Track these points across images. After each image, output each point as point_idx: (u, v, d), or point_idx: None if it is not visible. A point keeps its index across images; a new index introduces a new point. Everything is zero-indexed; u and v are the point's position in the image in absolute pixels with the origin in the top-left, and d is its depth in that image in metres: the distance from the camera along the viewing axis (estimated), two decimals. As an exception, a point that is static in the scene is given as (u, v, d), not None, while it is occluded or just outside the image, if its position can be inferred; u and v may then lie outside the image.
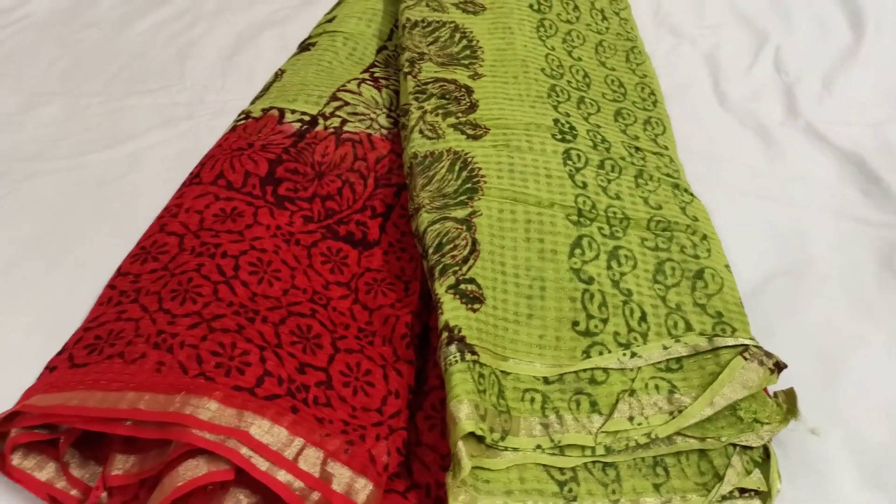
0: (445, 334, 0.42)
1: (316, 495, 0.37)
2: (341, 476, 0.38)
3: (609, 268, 0.47)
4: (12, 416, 0.39)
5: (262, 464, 0.37)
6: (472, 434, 0.38)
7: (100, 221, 0.57)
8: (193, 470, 0.36)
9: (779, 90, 0.67)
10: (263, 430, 0.38)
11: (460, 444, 0.37)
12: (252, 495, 0.38)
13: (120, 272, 0.49)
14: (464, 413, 0.37)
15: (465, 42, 0.62)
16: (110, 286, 0.48)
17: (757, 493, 0.41)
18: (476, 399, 0.39)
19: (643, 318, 0.45)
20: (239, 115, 0.60)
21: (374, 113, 0.61)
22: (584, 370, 0.43)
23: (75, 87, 0.68)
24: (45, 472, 0.41)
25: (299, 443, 0.38)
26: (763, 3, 0.77)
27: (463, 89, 0.57)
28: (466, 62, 0.60)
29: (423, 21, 0.64)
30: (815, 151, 0.62)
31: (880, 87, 0.67)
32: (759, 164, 0.61)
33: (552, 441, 0.40)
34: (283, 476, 0.37)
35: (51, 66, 0.70)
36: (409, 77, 0.58)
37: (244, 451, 0.37)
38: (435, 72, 0.59)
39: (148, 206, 0.57)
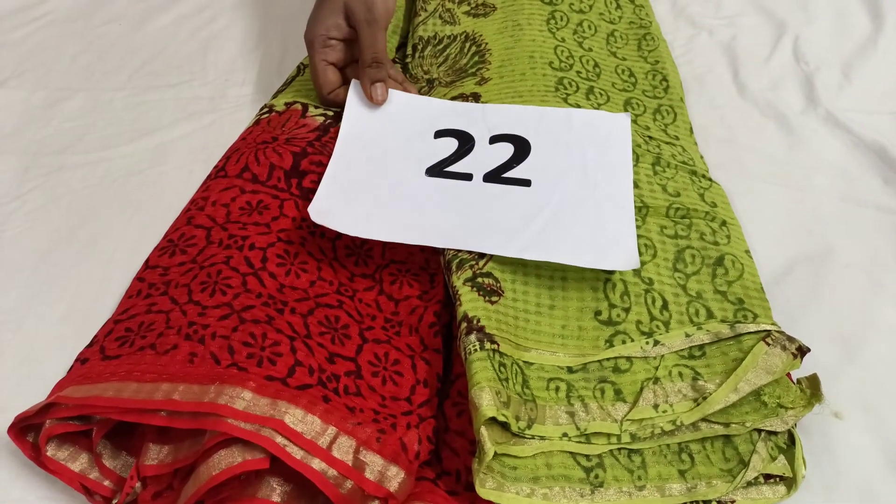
0: (464, 324, 0.42)
1: (349, 483, 0.37)
2: (374, 464, 0.38)
3: None
4: (46, 407, 0.40)
5: (296, 452, 0.37)
6: (497, 421, 0.38)
7: (127, 213, 0.57)
8: (229, 459, 0.37)
9: (798, 80, 0.67)
10: (297, 418, 0.38)
11: (483, 430, 0.37)
12: (285, 483, 0.38)
13: (148, 265, 0.50)
14: (485, 400, 0.38)
15: (474, 49, 0.62)
16: (139, 279, 0.49)
17: (782, 478, 0.41)
18: (497, 386, 0.39)
19: (665, 306, 0.45)
20: (262, 108, 0.61)
21: None
22: (608, 359, 0.43)
23: (99, 82, 0.69)
24: (78, 462, 0.41)
25: (332, 431, 0.38)
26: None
27: (470, 98, 0.58)
28: (473, 70, 0.61)
29: (434, 37, 0.64)
30: (835, 140, 0.62)
31: (901, 75, 0.67)
32: (779, 152, 0.61)
33: (578, 429, 0.41)
34: (317, 464, 0.37)
35: (74, 62, 0.71)
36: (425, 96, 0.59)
37: (279, 439, 0.37)
38: (443, 95, 0.59)
39: (173, 198, 0.58)
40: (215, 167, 0.56)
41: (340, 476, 0.37)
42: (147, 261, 0.50)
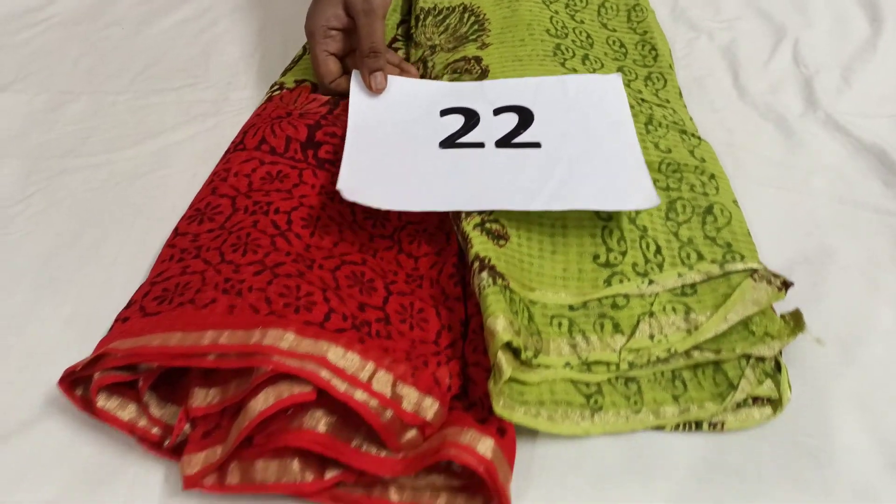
0: (476, 263, 0.45)
1: (389, 412, 0.40)
2: (410, 396, 0.41)
3: None
4: (95, 359, 0.42)
5: (340, 385, 0.40)
6: (509, 349, 0.41)
7: (130, 216, 0.58)
8: (277, 393, 0.39)
9: (798, 83, 0.68)
10: (339, 356, 0.41)
11: (500, 353, 0.40)
12: (329, 415, 0.41)
13: (178, 232, 0.52)
14: (500, 326, 0.41)
15: (473, 19, 0.65)
16: (170, 245, 0.51)
17: (769, 401, 0.44)
18: (510, 317, 0.42)
19: (658, 251, 0.49)
20: (272, 86, 0.63)
21: None
22: (607, 297, 0.47)
23: (101, 85, 0.69)
24: (127, 411, 0.43)
25: (371, 367, 0.41)
26: (780, -3, 0.77)
27: (472, 61, 0.61)
28: (474, 37, 0.64)
29: (434, 8, 0.67)
30: (834, 143, 0.62)
31: (900, 79, 0.67)
32: (778, 155, 0.62)
33: (580, 359, 0.44)
34: (359, 396, 0.40)
35: (77, 65, 0.71)
36: (423, 79, 0.61)
37: (324, 373, 0.40)
38: (445, 59, 0.62)
39: (177, 201, 0.58)
40: (233, 142, 0.58)
41: (381, 406, 0.40)
42: (176, 229, 0.52)
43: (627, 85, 0.61)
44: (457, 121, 0.56)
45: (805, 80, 0.68)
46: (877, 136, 0.61)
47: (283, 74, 0.65)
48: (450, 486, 0.40)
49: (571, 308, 0.46)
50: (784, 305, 0.50)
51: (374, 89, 0.57)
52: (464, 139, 0.54)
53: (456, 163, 0.52)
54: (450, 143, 0.54)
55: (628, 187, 0.50)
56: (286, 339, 0.40)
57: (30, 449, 0.44)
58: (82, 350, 0.49)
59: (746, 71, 0.69)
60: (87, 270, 0.54)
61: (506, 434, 0.40)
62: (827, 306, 0.51)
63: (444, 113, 0.57)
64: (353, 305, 0.46)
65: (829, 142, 0.62)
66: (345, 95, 0.59)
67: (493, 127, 0.55)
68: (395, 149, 0.54)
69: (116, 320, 0.46)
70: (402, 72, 0.60)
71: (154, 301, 0.46)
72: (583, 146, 0.53)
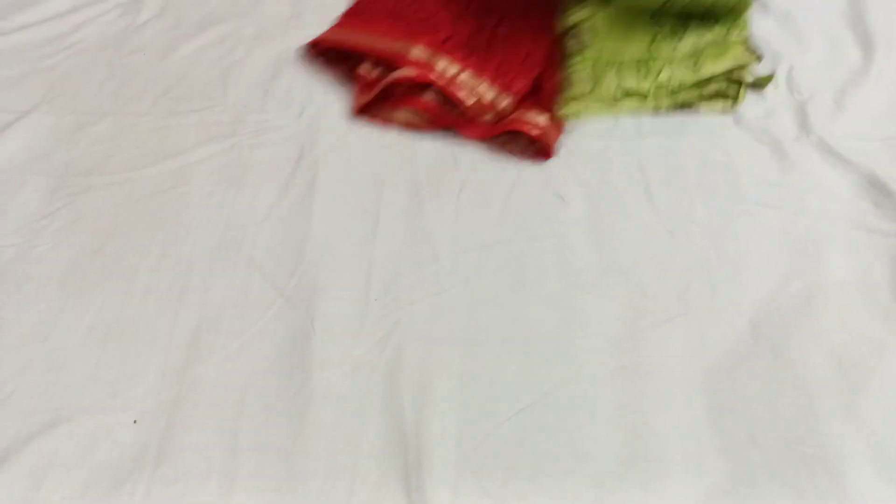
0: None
1: (472, 100, 0.66)
2: (488, 94, 0.67)
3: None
4: (324, 39, 0.74)
5: (441, 79, 0.67)
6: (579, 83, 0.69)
7: (150, 230, 0.60)
8: (406, 73, 0.67)
9: (792, 108, 0.70)
10: (446, 63, 0.69)
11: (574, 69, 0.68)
12: (434, 95, 0.68)
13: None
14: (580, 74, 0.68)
15: None
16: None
17: (732, 100, 0.71)
18: (584, 72, 0.69)
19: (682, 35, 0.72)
20: None
21: None
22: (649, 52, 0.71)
23: (124, 107, 0.72)
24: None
25: (468, 73, 0.69)
26: (775, 27, 0.80)
27: None
28: None
29: None
30: (827, 165, 0.64)
31: (890, 103, 0.69)
32: (774, 177, 0.64)
33: (622, 88, 0.70)
34: (455, 89, 0.67)
35: (101, 88, 0.74)
36: None
37: (436, 69, 0.68)
38: None
39: (195, 217, 0.60)
40: None
41: (468, 95, 0.66)
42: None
43: None
44: None
45: (799, 105, 0.70)
46: (867, 159, 0.63)
47: None
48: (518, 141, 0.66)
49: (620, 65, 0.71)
50: (780, 318, 0.52)
51: None
52: None
53: None
54: None
55: None
56: (416, 50, 0.68)
57: (53, 449, 0.46)
58: (103, 357, 0.51)
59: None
60: (109, 282, 0.56)
61: (557, 118, 0.66)
62: (822, 321, 0.52)
63: None
64: (466, 32, 0.72)
65: (822, 164, 0.64)
66: None
67: None
68: None
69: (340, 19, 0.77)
70: None
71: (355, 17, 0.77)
72: None
